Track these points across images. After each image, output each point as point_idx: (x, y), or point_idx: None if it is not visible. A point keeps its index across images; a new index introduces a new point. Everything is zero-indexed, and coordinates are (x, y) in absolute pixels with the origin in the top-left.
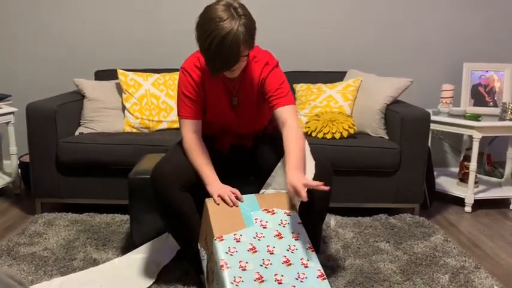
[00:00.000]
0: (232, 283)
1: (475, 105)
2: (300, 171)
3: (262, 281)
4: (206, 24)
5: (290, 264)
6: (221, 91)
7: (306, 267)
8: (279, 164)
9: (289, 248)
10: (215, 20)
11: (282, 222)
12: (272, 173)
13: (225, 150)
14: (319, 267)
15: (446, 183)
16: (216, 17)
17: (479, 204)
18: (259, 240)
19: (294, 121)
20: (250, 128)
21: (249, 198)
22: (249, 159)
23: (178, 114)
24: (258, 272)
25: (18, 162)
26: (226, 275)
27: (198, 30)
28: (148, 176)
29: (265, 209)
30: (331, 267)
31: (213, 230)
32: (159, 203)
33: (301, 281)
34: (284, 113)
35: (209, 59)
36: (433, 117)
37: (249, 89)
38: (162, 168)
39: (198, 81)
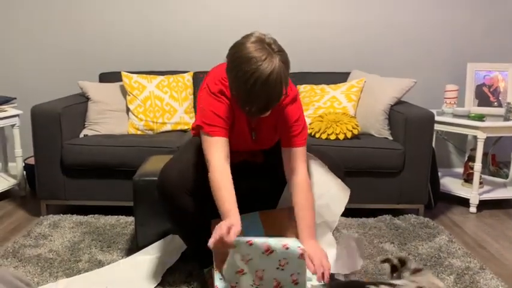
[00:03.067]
0: None
1: (479, 105)
2: (315, 238)
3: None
4: (245, 65)
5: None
6: (243, 122)
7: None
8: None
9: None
10: (254, 60)
11: (280, 264)
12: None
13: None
14: None
15: (451, 184)
16: (254, 57)
17: (484, 205)
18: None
19: (303, 171)
20: (265, 147)
21: (252, 218)
22: (260, 169)
23: (207, 133)
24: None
25: (24, 164)
26: None
27: (235, 71)
28: (153, 178)
29: (266, 251)
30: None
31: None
32: (165, 208)
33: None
34: (293, 157)
35: (249, 101)
36: (437, 118)
37: (268, 122)
38: (169, 174)
39: (231, 108)
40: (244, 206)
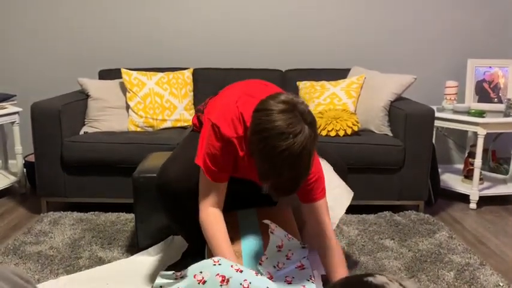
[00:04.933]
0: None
1: (479, 101)
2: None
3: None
4: (275, 140)
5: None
6: (248, 168)
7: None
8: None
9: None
10: (286, 136)
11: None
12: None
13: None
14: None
15: (451, 180)
16: (287, 132)
17: (484, 201)
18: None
19: (331, 228)
20: None
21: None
22: None
23: (205, 174)
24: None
25: (24, 161)
26: None
27: (261, 145)
28: (153, 175)
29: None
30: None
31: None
32: (165, 207)
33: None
34: (316, 213)
35: (275, 179)
36: (437, 114)
37: None
38: (168, 174)
39: (232, 153)
40: (243, 205)
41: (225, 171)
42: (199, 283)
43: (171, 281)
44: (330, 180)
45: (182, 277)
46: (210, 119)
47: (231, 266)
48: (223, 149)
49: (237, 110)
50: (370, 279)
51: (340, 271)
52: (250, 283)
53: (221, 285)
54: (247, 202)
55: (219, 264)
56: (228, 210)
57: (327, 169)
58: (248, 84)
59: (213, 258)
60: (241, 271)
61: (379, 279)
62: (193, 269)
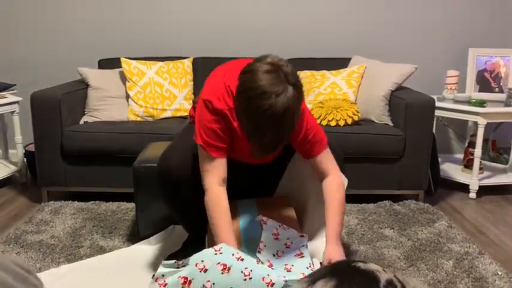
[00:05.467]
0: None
1: (480, 91)
2: (339, 244)
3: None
4: (258, 99)
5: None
6: (243, 144)
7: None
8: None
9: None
10: (269, 95)
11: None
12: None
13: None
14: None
15: (451, 170)
16: (269, 91)
17: (483, 191)
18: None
19: (335, 170)
20: (269, 160)
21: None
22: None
23: (204, 151)
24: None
25: (24, 151)
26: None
27: (245, 103)
28: (153, 165)
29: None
30: None
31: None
32: (166, 196)
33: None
34: (319, 164)
35: (256, 135)
36: (437, 104)
37: None
38: (169, 163)
39: (228, 128)
40: (242, 195)
41: (224, 143)
42: (200, 271)
43: (173, 269)
44: None
45: (184, 266)
46: (201, 97)
47: (232, 255)
48: (218, 122)
49: (224, 84)
50: (360, 265)
51: (329, 217)
52: (251, 271)
53: (222, 273)
54: (246, 193)
55: (220, 253)
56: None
57: None
58: (234, 61)
59: (214, 247)
60: (242, 259)
61: (370, 266)
62: (195, 258)
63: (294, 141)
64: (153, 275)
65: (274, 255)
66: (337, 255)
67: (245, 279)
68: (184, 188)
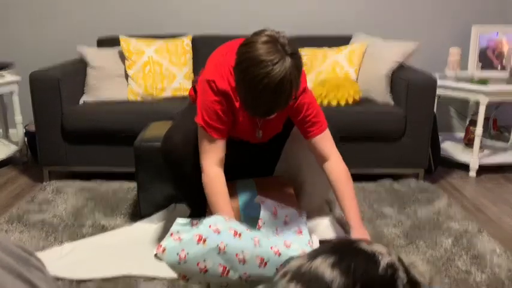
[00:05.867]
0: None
1: (482, 69)
2: (364, 227)
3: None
4: (254, 68)
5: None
6: (245, 122)
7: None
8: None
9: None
10: (265, 64)
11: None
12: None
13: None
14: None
15: (452, 149)
16: (266, 59)
17: (483, 169)
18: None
19: (333, 156)
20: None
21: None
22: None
23: (204, 131)
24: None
25: (24, 131)
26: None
27: (243, 74)
28: (154, 144)
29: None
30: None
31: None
32: (170, 174)
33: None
34: (319, 145)
35: (257, 105)
36: (439, 82)
37: (275, 120)
38: (173, 141)
39: (230, 109)
40: (241, 177)
41: (224, 125)
42: (214, 232)
43: (188, 227)
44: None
45: (197, 226)
46: (204, 77)
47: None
48: (220, 103)
49: (227, 63)
50: (363, 245)
51: (347, 203)
52: (259, 240)
53: (234, 237)
54: (245, 173)
55: (231, 220)
56: (227, 181)
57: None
58: (235, 41)
59: (224, 216)
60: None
61: (374, 247)
62: (208, 220)
63: (294, 119)
64: (170, 233)
65: (273, 232)
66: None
67: (255, 245)
68: (187, 166)
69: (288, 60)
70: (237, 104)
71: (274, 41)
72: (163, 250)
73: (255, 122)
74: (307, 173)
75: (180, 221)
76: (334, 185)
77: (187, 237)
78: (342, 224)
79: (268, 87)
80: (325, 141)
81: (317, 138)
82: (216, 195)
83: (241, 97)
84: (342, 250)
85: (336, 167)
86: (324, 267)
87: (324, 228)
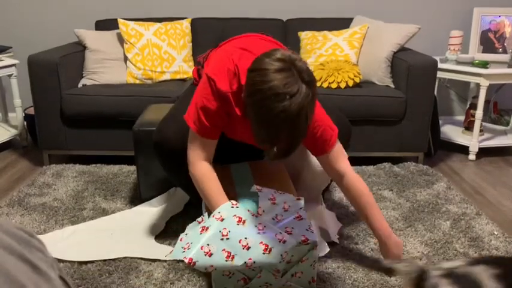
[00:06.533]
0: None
1: (484, 51)
2: (396, 237)
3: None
4: (270, 101)
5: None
6: (243, 129)
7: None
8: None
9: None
10: (283, 97)
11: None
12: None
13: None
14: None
15: (452, 132)
16: (283, 92)
17: (483, 152)
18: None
19: (348, 171)
20: None
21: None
22: None
23: (194, 131)
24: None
25: (24, 114)
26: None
27: (256, 107)
28: (153, 128)
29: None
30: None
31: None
32: (163, 164)
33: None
34: (331, 162)
35: (272, 140)
36: (440, 65)
37: None
38: (166, 133)
39: (226, 112)
40: (235, 160)
41: (218, 125)
42: (217, 220)
43: (195, 224)
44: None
45: (204, 221)
46: (207, 73)
47: (248, 210)
48: (217, 103)
49: (232, 62)
50: None
51: (374, 212)
52: (264, 226)
53: (238, 224)
54: (238, 156)
55: (237, 207)
56: (220, 164)
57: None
58: (247, 38)
59: (231, 201)
60: (256, 216)
61: None
62: (213, 213)
63: (303, 141)
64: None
65: (273, 219)
66: (400, 248)
67: (259, 233)
68: (181, 157)
69: (304, 89)
70: (236, 109)
71: (289, 67)
72: (171, 252)
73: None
74: (305, 162)
75: (189, 225)
76: (357, 198)
77: (193, 231)
78: (344, 206)
79: (286, 122)
80: (336, 159)
81: (329, 156)
82: (208, 185)
83: (255, 130)
84: (506, 264)
85: (355, 181)
86: (485, 276)
87: (318, 215)
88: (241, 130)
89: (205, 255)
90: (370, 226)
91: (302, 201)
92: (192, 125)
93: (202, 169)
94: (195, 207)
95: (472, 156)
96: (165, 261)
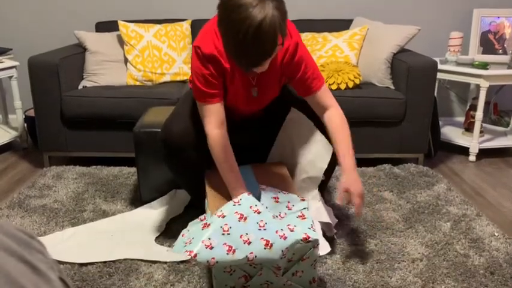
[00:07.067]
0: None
1: (483, 53)
2: (357, 173)
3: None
4: (234, 13)
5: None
6: (239, 83)
7: (290, 209)
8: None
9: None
10: (245, 7)
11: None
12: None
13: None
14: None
15: (452, 133)
16: (245, 3)
17: (483, 153)
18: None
19: (335, 105)
20: (266, 104)
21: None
22: (260, 125)
23: (198, 100)
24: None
25: (24, 116)
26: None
27: (225, 22)
28: (154, 130)
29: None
30: (335, 215)
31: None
32: (170, 162)
33: (282, 217)
34: (319, 100)
35: (241, 54)
36: (440, 66)
37: (270, 76)
38: (172, 130)
39: (219, 72)
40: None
41: (217, 89)
42: (219, 217)
43: (196, 221)
44: (310, 138)
45: (206, 219)
46: (193, 44)
47: (250, 207)
48: (208, 68)
49: (212, 27)
50: None
51: (342, 148)
52: (266, 223)
53: (239, 221)
54: (241, 159)
55: (239, 205)
56: None
57: (307, 127)
58: None
59: (233, 199)
60: (259, 212)
61: None
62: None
63: (293, 78)
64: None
65: (276, 216)
66: (357, 183)
67: (260, 230)
68: (186, 153)
69: (269, 3)
70: (227, 65)
71: None
72: (172, 246)
73: (249, 80)
74: (301, 159)
75: (191, 222)
76: (332, 132)
77: (195, 228)
78: (343, 208)
79: (250, 30)
80: (325, 95)
81: (318, 93)
82: (224, 154)
83: (227, 50)
84: None
85: (334, 115)
86: None
87: (315, 210)
88: (236, 87)
89: (207, 248)
90: (338, 160)
91: (306, 202)
92: (197, 98)
93: (217, 140)
94: (195, 209)
95: (472, 158)
96: (166, 262)
